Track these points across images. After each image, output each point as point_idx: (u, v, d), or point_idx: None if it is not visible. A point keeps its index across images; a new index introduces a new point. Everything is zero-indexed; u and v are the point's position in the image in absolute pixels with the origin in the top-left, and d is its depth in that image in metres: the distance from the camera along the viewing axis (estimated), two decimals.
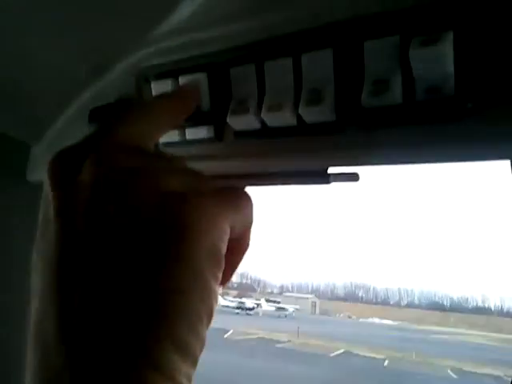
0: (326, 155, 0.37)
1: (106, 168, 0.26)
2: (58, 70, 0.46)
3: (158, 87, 0.41)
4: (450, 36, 0.29)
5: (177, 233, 0.25)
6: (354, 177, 0.39)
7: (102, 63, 0.45)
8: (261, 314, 37.15)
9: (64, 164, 0.28)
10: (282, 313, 39.33)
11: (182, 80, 0.40)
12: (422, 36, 0.30)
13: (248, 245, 0.31)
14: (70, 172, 0.27)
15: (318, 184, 0.40)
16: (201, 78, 0.39)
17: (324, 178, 0.39)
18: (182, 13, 0.38)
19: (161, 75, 0.42)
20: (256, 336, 20.10)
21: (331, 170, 0.39)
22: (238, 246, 0.31)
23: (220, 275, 0.27)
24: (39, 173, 0.57)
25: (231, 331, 18.89)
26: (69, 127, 0.52)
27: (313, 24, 0.35)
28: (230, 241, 0.28)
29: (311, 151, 0.38)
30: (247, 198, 0.30)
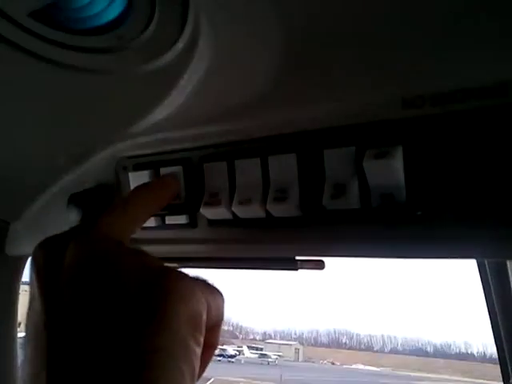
0: (293, 245, 0.40)
1: (90, 249, 0.29)
2: (40, 157, 0.48)
3: (135, 178, 0.44)
4: (400, 150, 0.33)
5: (162, 297, 0.27)
6: (319, 264, 0.42)
7: (82, 153, 0.47)
8: (243, 361, 36.18)
9: (47, 248, 0.31)
10: (264, 360, 38.32)
11: (162, 172, 0.43)
12: (375, 148, 0.33)
13: (217, 342, 0.33)
14: (53, 254, 0.30)
15: (286, 270, 0.42)
16: (177, 170, 0.42)
17: (292, 265, 0.42)
18: (160, 114, 0.41)
19: (138, 166, 0.45)
20: None
21: (299, 256, 0.42)
22: (208, 342, 0.32)
23: (202, 340, 0.28)
24: (18, 247, 0.58)
25: (212, 379, 18.27)
26: (48, 207, 0.54)
27: (279, 131, 0.38)
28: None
29: (279, 241, 0.40)
30: (220, 292, 0.32)
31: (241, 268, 0.44)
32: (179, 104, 0.39)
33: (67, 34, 0.35)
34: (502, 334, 0.72)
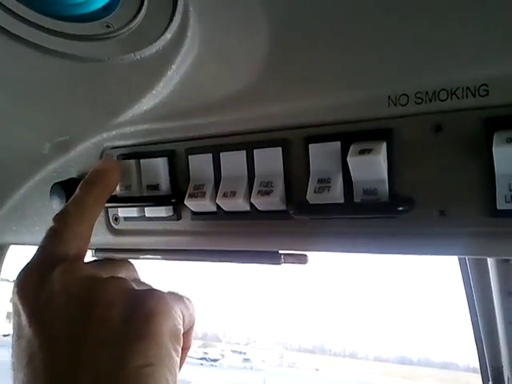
0: (276, 239, 0.40)
1: (74, 277, 0.32)
2: (24, 145, 0.48)
3: (120, 167, 0.44)
4: (384, 146, 0.33)
5: (146, 318, 0.30)
6: (302, 259, 0.42)
7: (67, 141, 0.47)
8: (226, 365, 35.96)
9: (32, 278, 0.33)
10: (247, 364, 38.23)
11: (143, 163, 0.43)
12: (359, 143, 0.34)
13: (191, 343, 0.37)
14: (40, 284, 0.32)
15: (269, 264, 0.42)
16: (161, 161, 0.42)
17: (275, 259, 0.42)
18: (146, 104, 0.41)
19: (123, 156, 0.44)
20: None
21: (282, 251, 0.42)
22: (183, 344, 0.34)
23: (180, 350, 0.32)
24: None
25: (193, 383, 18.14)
26: (31, 196, 0.54)
27: (264, 125, 0.38)
28: None
29: (263, 234, 0.40)
30: (190, 300, 0.36)
31: (223, 261, 0.44)
32: (166, 94, 0.39)
33: (55, 20, 0.35)
34: (482, 334, 0.73)
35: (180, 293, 0.36)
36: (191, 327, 0.36)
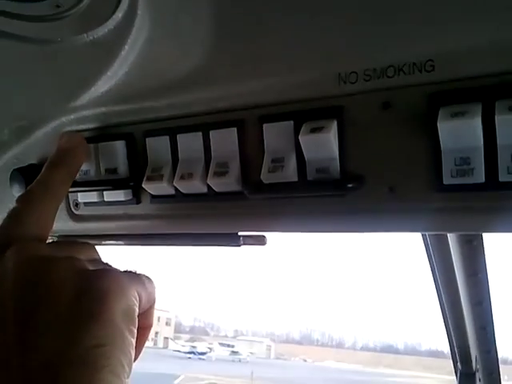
0: (235, 221, 0.40)
1: (26, 257, 0.32)
2: None
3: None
4: (334, 124, 0.33)
5: (97, 297, 0.30)
6: (261, 240, 0.42)
7: (25, 127, 0.47)
8: (214, 358, 35.96)
9: None
10: (235, 357, 38.32)
11: (101, 146, 0.42)
12: (311, 122, 0.34)
13: (152, 322, 0.36)
14: None
15: (229, 246, 0.43)
16: (119, 144, 0.42)
17: (234, 241, 0.42)
18: (103, 86, 0.40)
19: None
20: (208, 382, 19.39)
21: (242, 232, 0.42)
22: (144, 323, 0.35)
23: (135, 331, 0.31)
24: None
25: (182, 377, 18.14)
26: None
27: (219, 105, 0.38)
28: (138, 317, 0.32)
29: (221, 216, 0.40)
30: (150, 279, 0.35)
31: (183, 244, 0.44)
32: (122, 76, 0.39)
33: (3, 0, 0.35)
34: (448, 314, 0.74)
35: (138, 272, 0.35)
36: (151, 306, 0.35)
